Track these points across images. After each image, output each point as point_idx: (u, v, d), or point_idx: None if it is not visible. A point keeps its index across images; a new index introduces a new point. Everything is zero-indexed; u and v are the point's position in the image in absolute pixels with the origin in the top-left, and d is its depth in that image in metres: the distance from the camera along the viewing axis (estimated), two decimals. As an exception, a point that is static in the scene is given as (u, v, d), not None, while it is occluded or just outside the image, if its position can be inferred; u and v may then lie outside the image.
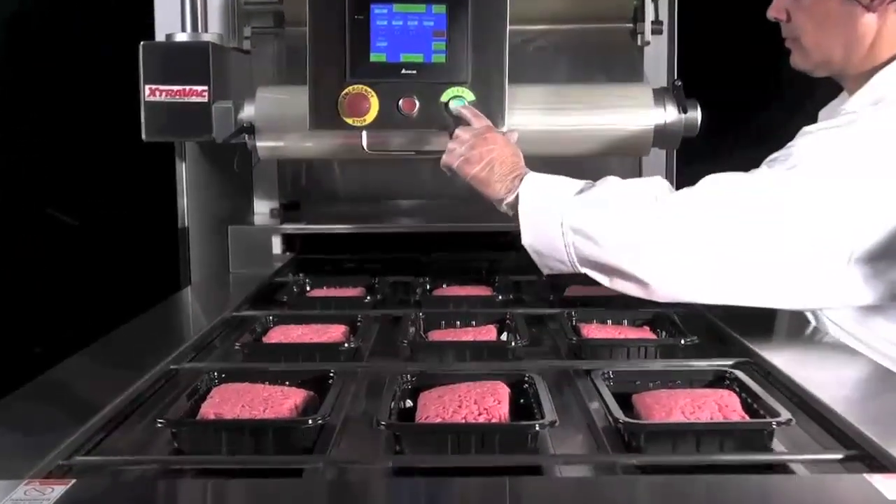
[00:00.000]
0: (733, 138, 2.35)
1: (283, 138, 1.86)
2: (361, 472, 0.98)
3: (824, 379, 1.18)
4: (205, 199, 2.06)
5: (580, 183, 1.47)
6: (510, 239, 2.15)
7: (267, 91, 1.87)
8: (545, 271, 1.50)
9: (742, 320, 1.44)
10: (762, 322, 1.45)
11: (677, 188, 1.43)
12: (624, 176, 2.15)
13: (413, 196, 2.27)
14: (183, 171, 2.01)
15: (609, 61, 2.21)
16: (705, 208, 1.36)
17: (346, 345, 1.34)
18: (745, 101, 2.47)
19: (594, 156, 2.15)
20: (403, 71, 1.67)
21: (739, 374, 1.14)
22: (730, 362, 1.25)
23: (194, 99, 1.81)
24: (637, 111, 1.82)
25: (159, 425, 1.00)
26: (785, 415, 1.00)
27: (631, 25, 2.16)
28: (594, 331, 1.43)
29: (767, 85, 2.52)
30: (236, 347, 1.35)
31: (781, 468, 0.97)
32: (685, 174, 2.12)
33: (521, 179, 1.49)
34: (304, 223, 2.16)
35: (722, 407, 1.04)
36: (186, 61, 1.82)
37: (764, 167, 1.39)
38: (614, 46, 2.21)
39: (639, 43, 2.15)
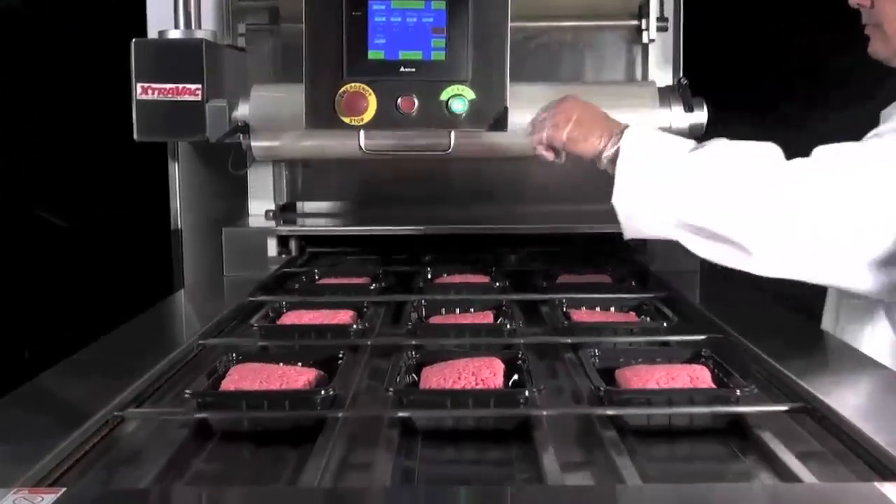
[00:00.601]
0: (741, 139, 2.35)
1: (278, 138, 1.86)
2: (371, 423, 1.10)
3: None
4: (198, 200, 2.06)
5: (689, 142, 1.43)
6: (510, 242, 2.19)
7: (262, 89, 1.87)
8: (628, 235, 1.46)
9: (721, 304, 1.55)
10: (740, 305, 1.58)
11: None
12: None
13: (412, 197, 2.27)
14: (176, 171, 2.00)
15: (613, 59, 2.22)
16: (827, 177, 1.32)
17: (354, 326, 1.46)
18: (753, 99, 2.47)
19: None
20: (402, 69, 1.67)
21: (714, 353, 1.25)
22: (704, 339, 1.37)
23: (187, 98, 1.81)
24: (642, 111, 1.82)
25: (186, 396, 1.10)
26: (749, 385, 1.11)
27: (635, 22, 2.16)
28: (583, 316, 1.54)
29: (776, 83, 2.53)
30: (254, 328, 1.47)
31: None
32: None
33: (622, 132, 1.44)
34: (301, 225, 2.15)
35: (693, 379, 1.15)
36: (179, 59, 1.81)
37: (873, 140, 1.36)
38: (618, 44, 2.21)
39: (643, 40, 2.15)
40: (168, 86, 1.81)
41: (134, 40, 1.82)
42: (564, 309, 1.57)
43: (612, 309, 1.60)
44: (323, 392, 1.10)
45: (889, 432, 0.97)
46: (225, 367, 1.21)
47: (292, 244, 2.17)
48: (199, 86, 1.81)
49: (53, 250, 2.78)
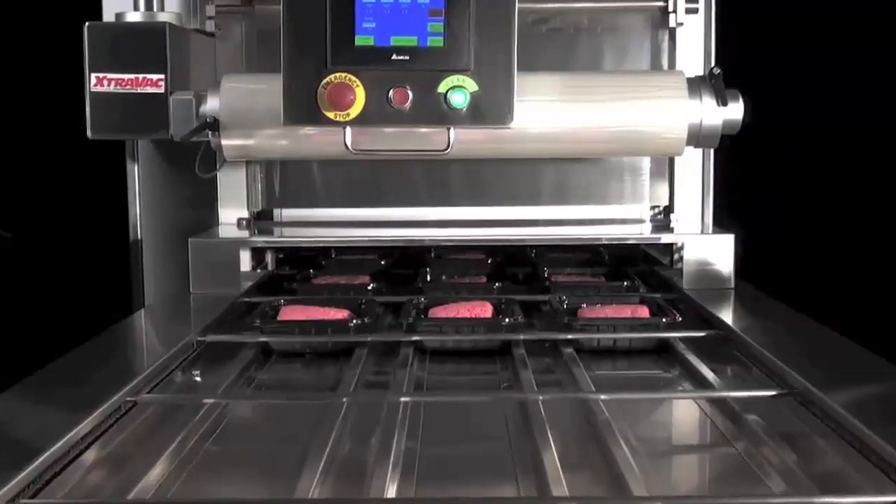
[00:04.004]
0: (781, 136, 2.35)
1: (252, 135, 1.86)
2: (392, 345, 1.64)
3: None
4: (161, 207, 2.06)
5: None
6: (513, 250, 2.19)
7: (234, 80, 1.86)
8: None
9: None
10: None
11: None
12: (653, 178, 2.17)
13: (405, 202, 2.27)
14: (135, 174, 2.01)
15: (636, 46, 2.21)
16: None
17: (372, 285, 1.98)
18: (795, 92, 2.47)
19: (617, 156, 2.16)
20: (394, 56, 1.67)
21: (659, 298, 1.77)
22: (658, 295, 1.84)
23: (149, 89, 1.81)
24: (668, 104, 1.82)
25: (255, 326, 1.65)
26: (674, 315, 1.65)
27: (662, 3, 2.16)
28: (562, 278, 2.05)
29: (820, 73, 2.53)
30: (293, 286, 1.97)
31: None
32: (725, 178, 2.12)
33: None
34: (278, 235, 2.15)
35: (633, 312, 1.69)
36: (139, 46, 1.82)
37: None
38: (642, 28, 2.21)
39: (671, 24, 2.15)
40: (126, 76, 1.82)
41: (87, 24, 1.82)
42: (547, 274, 2.05)
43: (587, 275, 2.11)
44: (356, 321, 1.66)
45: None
46: (274, 309, 1.73)
47: (268, 257, 2.16)
48: (162, 76, 1.81)
49: (-4, 264, 2.78)
